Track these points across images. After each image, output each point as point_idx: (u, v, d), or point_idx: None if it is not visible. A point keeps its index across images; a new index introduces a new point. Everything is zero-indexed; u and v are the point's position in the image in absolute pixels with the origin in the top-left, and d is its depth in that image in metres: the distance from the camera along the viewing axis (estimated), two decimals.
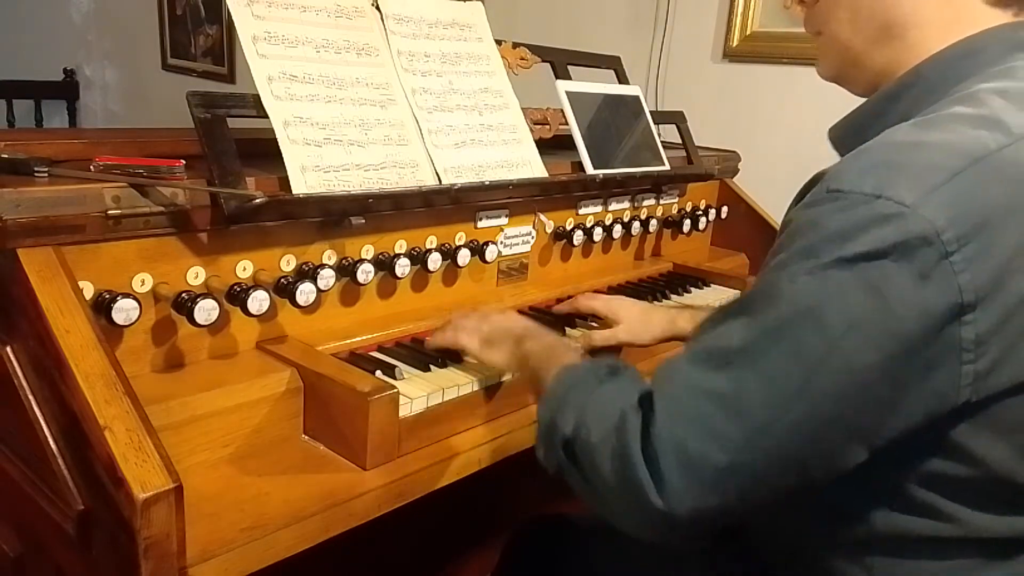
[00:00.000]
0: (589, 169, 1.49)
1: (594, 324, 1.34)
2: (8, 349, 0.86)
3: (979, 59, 0.78)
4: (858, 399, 0.67)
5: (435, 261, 1.25)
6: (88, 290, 0.91)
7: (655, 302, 1.49)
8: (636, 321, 1.26)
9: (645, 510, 0.68)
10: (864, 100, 0.86)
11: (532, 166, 1.40)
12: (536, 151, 1.42)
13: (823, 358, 0.66)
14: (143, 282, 0.96)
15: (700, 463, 0.67)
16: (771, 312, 0.69)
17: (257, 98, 1.05)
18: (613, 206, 1.65)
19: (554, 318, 1.36)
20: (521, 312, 1.38)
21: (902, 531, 0.76)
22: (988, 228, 0.66)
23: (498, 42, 1.46)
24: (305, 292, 1.05)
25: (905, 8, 0.80)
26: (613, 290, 1.56)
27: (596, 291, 1.54)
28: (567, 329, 1.31)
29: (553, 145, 1.49)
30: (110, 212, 0.91)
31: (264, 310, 1.00)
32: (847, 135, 0.87)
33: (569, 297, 1.47)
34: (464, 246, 1.32)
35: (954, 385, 0.68)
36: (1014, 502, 0.75)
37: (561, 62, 1.63)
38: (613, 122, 1.61)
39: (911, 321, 0.65)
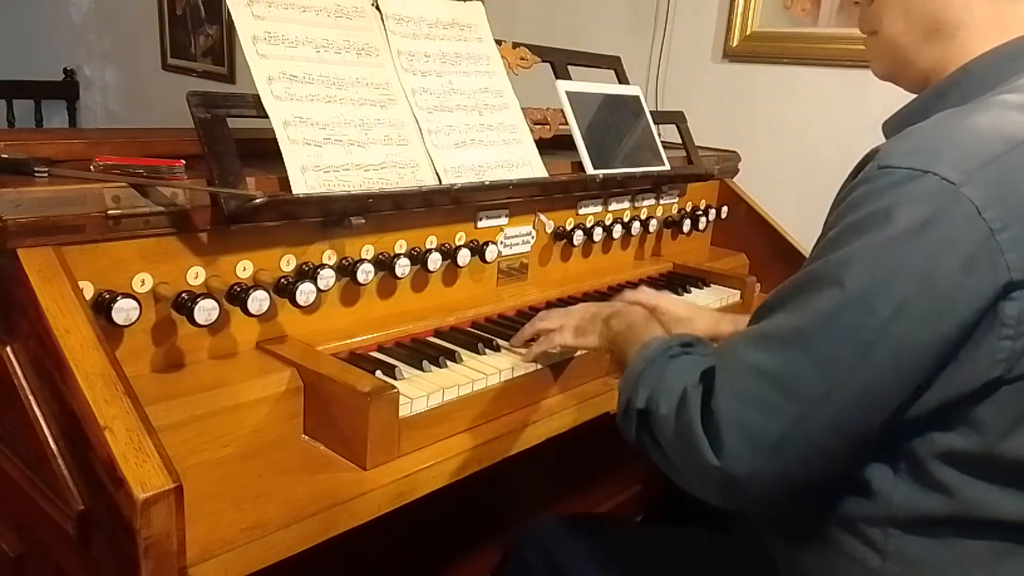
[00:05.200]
0: (589, 169, 1.49)
1: None
2: (8, 349, 0.86)
3: None
4: (908, 374, 0.70)
5: (435, 261, 1.25)
6: (88, 290, 0.91)
7: None
8: (678, 318, 1.28)
9: (704, 468, 0.74)
10: (914, 96, 0.90)
11: (532, 166, 1.40)
12: (536, 151, 1.42)
13: (873, 340, 0.69)
14: (143, 282, 0.96)
15: (759, 435, 0.72)
16: (823, 295, 0.72)
17: (257, 98, 1.05)
18: (613, 206, 1.65)
19: None
20: (521, 313, 1.39)
21: (920, 511, 0.77)
22: None
23: (498, 42, 1.46)
24: (305, 292, 1.05)
25: (956, 10, 0.83)
26: (613, 290, 1.56)
27: (596, 291, 1.54)
28: None
29: (553, 145, 1.49)
30: (110, 212, 0.91)
31: (264, 310, 1.00)
32: (897, 128, 0.89)
33: (571, 297, 1.48)
34: (464, 246, 1.32)
35: (990, 360, 0.70)
36: None
37: (561, 62, 1.63)
38: (613, 122, 1.61)
39: (961, 302, 0.68)
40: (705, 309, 1.37)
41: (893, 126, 0.92)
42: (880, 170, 0.72)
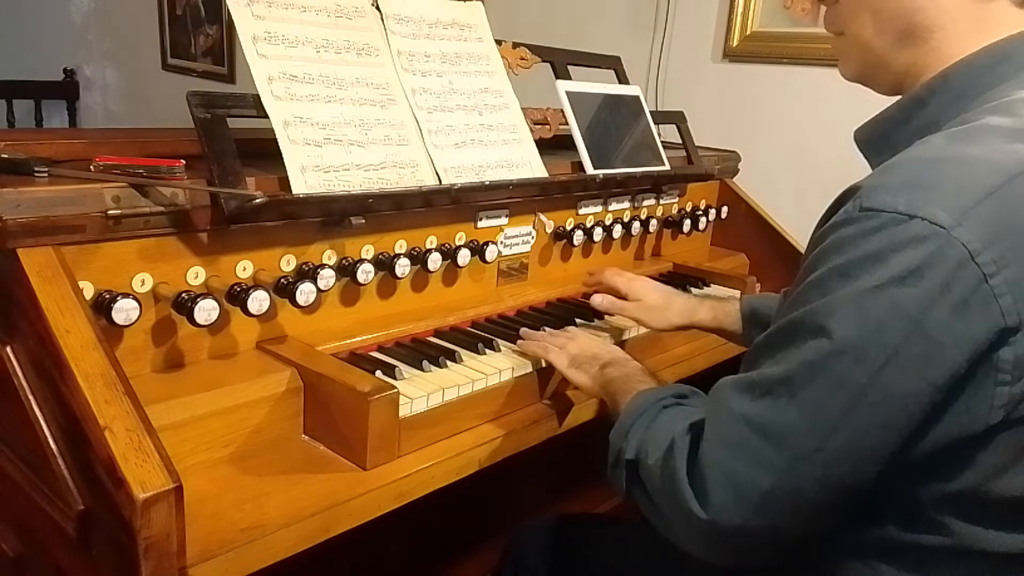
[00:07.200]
0: (589, 169, 1.49)
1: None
2: (8, 349, 0.86)
3: (1009, 65, 0.76)
4: (899, 424, 0.67)
5: (435, 261, 1.25)
6: (88, 290, 0.91)
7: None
8: (654, 304, 1.29)
9: (690, 520, 0.72)
10: (890, 103, 0.85)
11: (532, 166, 1.40)
12: (536, 151, 1.42)
13: (863, 389, 0.66)
14: (143, 282, 0.96)
15: (746, 486, 0.70)
16: (811, 342, 0.69)
17: (257, 98, 1.05)
18: (613, 206, 1.65)
19: (572, 306, 1.43)
20: (521, 313, 1.39)
21: (914, 543, 0.75)
22: None
23: (498, 42, 1.46)
24: (305, 292, 1.05)
25: (929, 12, 0.78)
26: None
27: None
28: (595, 320, 1.38)
29: (553, 145, 1.49)
30: (110, 212, 0.91)
31: (264, 310, 1.00)
32: (873, 138, 0.86)
33: (571, 297, 1.48)
34: (464, 246, 1.32)
35: (988, 406, 0.67)
36: None
37: (561, 62, 1.63)
38: (613, 122, 1.60)
39: (952, 349, 0.65)
40: (682, 296, 1.34)
41: (867, 134, 0.88)
42: (863, 212, 0.68)
